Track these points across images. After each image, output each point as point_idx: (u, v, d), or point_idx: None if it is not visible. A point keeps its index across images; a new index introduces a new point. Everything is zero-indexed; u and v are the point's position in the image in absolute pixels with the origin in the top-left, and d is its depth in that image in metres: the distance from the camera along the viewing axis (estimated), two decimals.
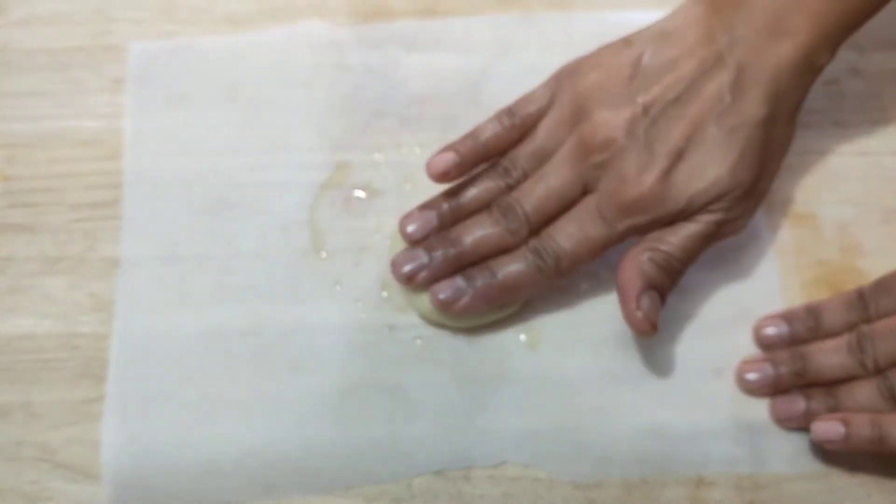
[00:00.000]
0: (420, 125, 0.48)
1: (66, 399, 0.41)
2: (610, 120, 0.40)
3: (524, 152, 0.43)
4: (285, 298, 0.44)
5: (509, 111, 0.43)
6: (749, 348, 0.43)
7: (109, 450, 0.40)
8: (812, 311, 0.43)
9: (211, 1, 0.51)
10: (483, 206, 0.42)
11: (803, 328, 0.42)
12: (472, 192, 0.43)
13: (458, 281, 0.41)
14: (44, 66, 0.49)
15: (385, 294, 0.44)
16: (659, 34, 0.41)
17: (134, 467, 0.40)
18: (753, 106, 0.40)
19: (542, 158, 0.42)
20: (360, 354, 0.43)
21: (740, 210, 0.41)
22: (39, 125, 0.47)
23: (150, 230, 0.45)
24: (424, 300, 0.42)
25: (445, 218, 0.42)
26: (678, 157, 0.40)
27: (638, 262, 0.40)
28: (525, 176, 0.42)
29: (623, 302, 0.40)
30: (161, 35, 0.50)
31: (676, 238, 0.40)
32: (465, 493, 0.40)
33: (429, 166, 0.42)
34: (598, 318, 0.44)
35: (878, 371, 0.39)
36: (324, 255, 0.45)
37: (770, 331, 0.43)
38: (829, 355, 0.41)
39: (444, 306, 0.41)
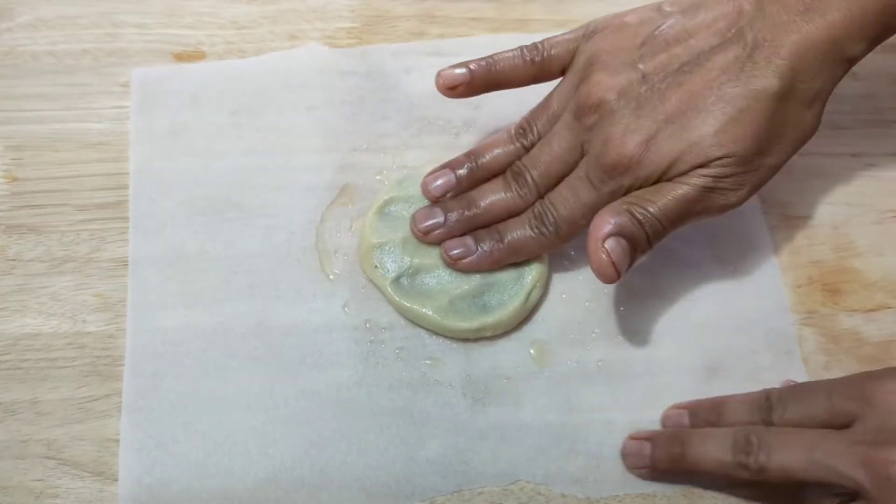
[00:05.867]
0: (423, 143, 0.48)
1: (73, 397, 0.42)
2: (605, 82, 0.39)
3: (541, 114, 0.43)
4: (289, 298, 0.44)
5: (534, 47, 0.43)
6: (745, 348, 0.44)
7: (126, 447, 0.41)
8: (716, 407, 0.41)
9: (215, 6, 0.52)
10: (500, 169, 0.43)
11: (704, 423, 0.41)
12: (492, 155, 0.44)
13: (468, 240, 0.43)
14: (50, 69, 0.49)
15: (394, 314, 0.44)
16: (691, 4, 0.40)
17: (148, 464, 0.40)
18: (764, 78, 0.37)
19: (555, 121, 0.42)
20: (369, 373, 0.43)
21: (732, 182, 0.39)
22: (46, 127, 0.48)
23: (156, 230, 0.45)
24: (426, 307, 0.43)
25: (463, 180, 0.44)
26: (667, 122, 0.38)
27: (614, 209, 0.38)
28: (540, 139, 0.43)
29: (590, 241, 0.38)
30: (165, 39, 0.50)
31: (657, 196, 0.39)
32: (464, 490, 0.41)
33: (440, 76, 0.43)
34: (606, 333, 0.44)
35: (761, 475, 0.37)
36: (331, 276, 0.45)
37: (673, 421, 0.41)
38: (709, 448, 0.38)
39: (453, 262, 0.43)
